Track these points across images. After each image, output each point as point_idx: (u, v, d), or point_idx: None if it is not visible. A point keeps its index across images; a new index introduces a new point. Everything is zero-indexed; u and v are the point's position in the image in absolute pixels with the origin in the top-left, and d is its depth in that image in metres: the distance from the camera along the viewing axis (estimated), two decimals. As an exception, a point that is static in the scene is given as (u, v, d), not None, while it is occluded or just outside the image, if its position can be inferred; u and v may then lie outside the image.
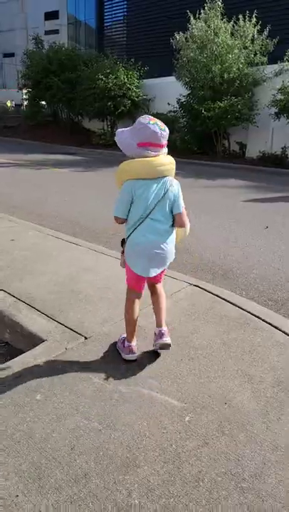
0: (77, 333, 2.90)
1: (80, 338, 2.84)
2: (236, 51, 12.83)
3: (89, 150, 16.80)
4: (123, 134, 2.40)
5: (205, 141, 14.56)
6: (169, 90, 15.16)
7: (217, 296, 3.48)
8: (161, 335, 2.66)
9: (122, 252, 2.56)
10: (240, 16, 13.42)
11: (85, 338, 2.85)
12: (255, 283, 4.21)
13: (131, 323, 2.67)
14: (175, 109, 14.89)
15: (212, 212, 7.05)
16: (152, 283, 2.73)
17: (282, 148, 13.05)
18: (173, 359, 2.65)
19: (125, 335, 2.70)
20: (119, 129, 2.44)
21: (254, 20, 13.34)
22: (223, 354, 2.71)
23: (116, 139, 2.42)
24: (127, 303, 2.67)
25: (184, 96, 14.33)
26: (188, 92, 14.24)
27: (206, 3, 13.38)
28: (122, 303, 2.73)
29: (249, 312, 3.23)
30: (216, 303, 3.39)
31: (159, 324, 2.73)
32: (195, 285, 3.70)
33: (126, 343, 2.67)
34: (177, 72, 14.42)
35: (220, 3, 13.12)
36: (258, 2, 14.43)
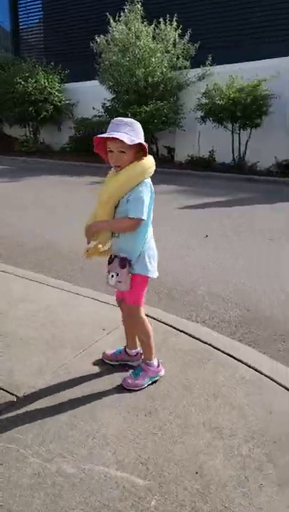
0: (5, 390, 2.37)
1: (8, 397, 2.32)
2: (159, 55, 12.68)
3: (11, 158, 15.85)
4: (134, 135, 2.18)
5: (133, 146, 14.25)
6: (93, 94, 14.69)
7: (170, 326, 3.09)
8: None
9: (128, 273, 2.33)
10: (161, 20, 13.30)
11: (17, 397, 2.33)
12: (203, 301, 3.89)
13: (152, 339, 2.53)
14: (100, 113, 14.46)
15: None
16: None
17: (210, 152, 13.08)
18: (127, 416, 2.21)
19: (151, 360, 2.52)
20: (122, 133, 2.14)
21: (175, 24, 13.27)
22: (185, 402, 2.32)
23: (130, 140, 2.14)
24: (144, 322, 2.51)
25: (108, 100, 13.94)
26: (113, 96, 13.87)
27: (126, 5, 13.11)
28: (62, 344, 2.24)
29: (207, 343, 2.87)
30: (169, 333, 3.00)
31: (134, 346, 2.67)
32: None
33: (155, 362, 2.52)
34: (100, 76, 14.01)
35: (139, 6, 12.89)
36: (178, 7, 14.39)
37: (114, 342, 2.85)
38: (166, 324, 3.11)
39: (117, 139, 2.11)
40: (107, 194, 2.28)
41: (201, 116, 12.25)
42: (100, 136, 2.20)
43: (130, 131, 2.17)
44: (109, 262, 2.39)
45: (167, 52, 13.13)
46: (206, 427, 2.13)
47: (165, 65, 12.78)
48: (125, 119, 2.22)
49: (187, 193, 9.42)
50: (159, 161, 14.17)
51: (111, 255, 2.41)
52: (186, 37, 13.33)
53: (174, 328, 3.06)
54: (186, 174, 12.26)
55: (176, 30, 13.27)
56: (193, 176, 12.09)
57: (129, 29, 12.85)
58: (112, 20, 13.19)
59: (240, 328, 3.43)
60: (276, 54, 11.73)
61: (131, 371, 2.54)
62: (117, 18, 13.25)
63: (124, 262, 2.30)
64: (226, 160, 12.74)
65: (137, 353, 2.67)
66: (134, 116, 12.38)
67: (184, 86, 13.47)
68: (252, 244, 5.65)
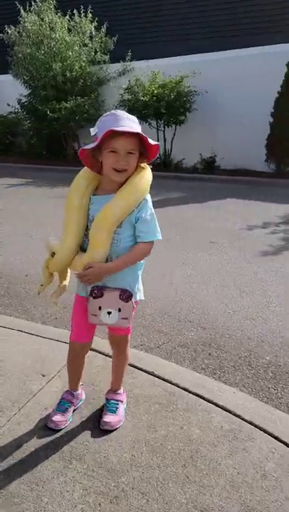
0: None
1: None
2: (77, 48, 12.01)
3: None
4: None
5: (53, 144, 13.50)
6: (7, 90, 13.66)
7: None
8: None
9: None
10: (75, 12, 12.62)
11: None
12: (154, 322, 3.42)
13: None
14: (16, 110, 13.48)
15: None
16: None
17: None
18: (87, 509, 1.67)
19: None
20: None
21: (90, 16, 12.65)
22: (158, 474, 1.82)
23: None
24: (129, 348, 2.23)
25: (24, 96, 13.01)
26: (29, 91, 12.96)
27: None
28: None
29: (171, 382, 2.40)
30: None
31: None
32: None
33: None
34: (14, 70, 13.00)
35: (52, -5, 12.12)
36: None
37: (57, 392, 2.28)
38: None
39: (133, 135, 1.70)
40: (115, 217, 1.80)
41: (125, 113, 11.77)
42: (117, 129, 1.68)
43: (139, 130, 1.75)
44: (96, 295, 1.87)
45: (85, 45, 12.49)
46: (191, 510, 1.66)
47: (83, 59, 12.14)
48: (128, 114, 1.79)
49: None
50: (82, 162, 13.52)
51: (94, 288, 1.88)
52: (103, 30, 12.78)
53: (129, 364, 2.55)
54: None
55: (91, 22, 12.66)
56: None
57: (42, 20, 12.03)
58: (22, 11, 12.27)
59: (201, 352, 3.01)
60: (200, 50, 11.57)
61: (105, 410, 2.14)
62: (28, 8, 12.35)
63: (129, 295, 1.87)
64: (151, 158, 12.40)
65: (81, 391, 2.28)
66: (53, 112, 11.66)
67: (104, 81, 12.93)
68: (195, 249, 5.27)
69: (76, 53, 12.06)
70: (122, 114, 1.75)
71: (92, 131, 1.79)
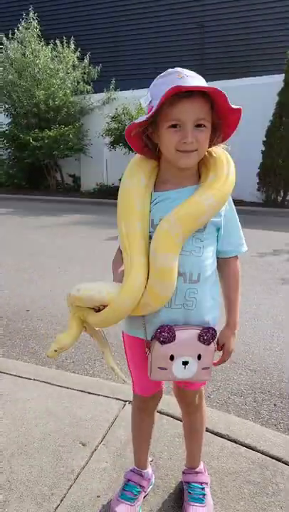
0: None
1: None
2: (61, 74, 11.73)
3: None
4: None
5: (34, 175, 12.99)
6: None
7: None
8: None
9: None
10: (58, 42, 12.46)
11: None
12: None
13: None
14: (-5, 139, 12.99)
15: (79, 261, 5.51)
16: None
17: (120, 180, 12.27)
18: None
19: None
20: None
21: (73, 46, 12.50)
22: None
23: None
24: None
25: (5, 124, 12.54)
26: (10, 119, 12.51)
27: (20, 22, 12.03)
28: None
29: (254, 448, 1.80)
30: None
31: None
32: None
33: None
34: (-6, 98, 12.59)
35: (36, 24, 11.91)
36: (75, 29, 13.71)
37: (108, 470, 1.65)
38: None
39: (204, 97, 1.17)
40: (202, 215, 1.25)
41: (110, 142, 11.45)
42: (185, 85, 1.13)
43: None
44: (165, 339, 1.28)
45: (67, 73, 12.25)
46: None
47: (68, 85, 11.86)
48: (194, 72, 1.23)
49: (104, 224, 8.36)
50: (64, 191, 13.12)
51: (161, 328, 1.29)
52: (86, 60, 12.64)
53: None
54: (96, 203, 11.27)
55: (74, 52, 12.50)
56: (104, 205, 11.13)
57: (25, 47, 11.76)
58: (4, 38, 11.99)
59: (262, 404, 2.43)
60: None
61: (188, 499, 1.52)
62: (10, 35, 12.08)
63: (213, 333, 1.32)
64: (137, 188, 12.04)
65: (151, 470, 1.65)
66: (36, 141, 11.22)
67: (87, 111, 12.65)
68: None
69: (60, 80, 11.77)
70: (185, 70, 1.21)
71: (144, 100, 1.25)
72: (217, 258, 1.37)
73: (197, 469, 1.58)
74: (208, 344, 1.30)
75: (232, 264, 1.39)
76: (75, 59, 12.56)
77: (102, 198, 11.86)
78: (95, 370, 2.77)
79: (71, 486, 1.60)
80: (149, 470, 1.61)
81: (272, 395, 2.52)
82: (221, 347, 1.39)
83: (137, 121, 1.23)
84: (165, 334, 1.27)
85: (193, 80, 1.18)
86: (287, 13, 11.81)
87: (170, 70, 1.22)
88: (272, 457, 1.76)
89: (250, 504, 1.55)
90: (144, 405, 1.55)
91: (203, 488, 1.53)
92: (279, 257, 5.73)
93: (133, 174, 1.33)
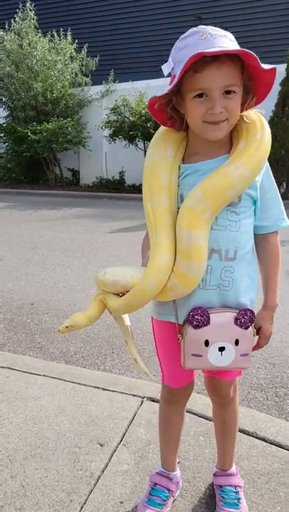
0: None
1: None
2: (59, 66, 11.52)
3: None
4: None
5: (32, 169, 12.81)
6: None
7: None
8: None
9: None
10: (55, 33, 12.25)
11: None
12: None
13: None
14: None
15: (82, 254, 5.37)
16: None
17: (120, 173, 12.13)
18: None
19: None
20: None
21: (70, 38, 12.30)
22: None
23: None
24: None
25: (2, 118, 12.34)
26: (7, 112, 12.31)
27: (17, 13, 11.81)
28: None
29: (286, 447, 1.68)
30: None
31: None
32: (150, 398, 1.99)
33: None
34: (-9, 91, 12.37)
35: (33, 15, 11.69)
36: (72, 22, 13.49)
37: (130, 473, 1.52)
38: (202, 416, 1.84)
39: (232, 60, 1.03)
40: (234, 187, 1.12)
41: (110, 135, 11.26)
42: (208, 50, 0.99)
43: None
44: (199, 323, 1.17)
45: (65, 65, 12.04)
46: None
47: (67, 77, 11.65)
48: (218, 29, 1.08)
49: (104, 217, 8.20)
50: (64, 184, 12.94)
51: (194, 310, 1.18)
52: (84, 52, 12.45)
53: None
54: (96, 197, 11.10)
55: (72, 44, 12.30)
56: (104, 198, 10.97)
57: (22, 39, 11.54)
58: (1, 30, 11.78)
59: (284, 399, 2.30)
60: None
61: (221, 504, 1.39)
62: (7, 26, 11.86)
63: (251, 316, 1.20)
64: (138, 181, 11.88)
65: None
66: (34, 134, 11.03)
67: (86, 103, 12.46)
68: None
69: (59, 72, 11.56)
70: (209, 28, 1.06)
71: (166, 67, 1.12)
72: (254, 234, 1.25)
73: (229, 471, 1.45)
74: (246, 328, 1.18)
75: (271, 240, 1.26)
76: (73, 50, 12.36)
77: (102, 192, 11.70)
78: (106, 366, 2.64)
79: (91, 491, 1.47)
80: (178, 472, 1.48)
81: (294, 389, 2.40)
82: (257, 331, 1.26)
83: (158, 94, 1.10)
84: (198, 317, 1.16)
85: (220, 40, 1.03)
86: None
87: (192, 29, 1.08)
88: (306, 456, 1.63)
89: (288, 508, 1.42)
90: (174, 398, 1.42)
91: (237, 492, 1.40)
92: (286, 248, 5.59)
93: (159, 146, 1.21)
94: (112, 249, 5.51)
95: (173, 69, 1.10)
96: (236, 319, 1.17)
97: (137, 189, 11.72)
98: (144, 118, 10.34)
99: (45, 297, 3.79)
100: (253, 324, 1.20)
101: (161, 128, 1.23)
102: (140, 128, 10.48)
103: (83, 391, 2.05)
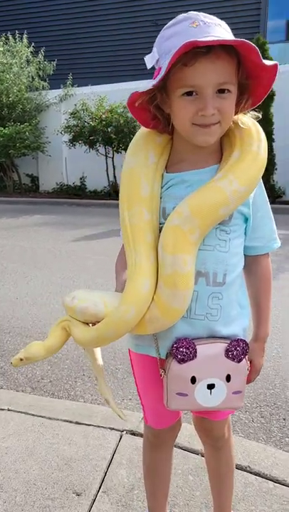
0: None
1: None
2: (16, 69, 11.15)
3: None
4: None
5: (-12, 175, 12.32)
6: None
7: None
8: None
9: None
10: (10, 36, 11.88)
11: None
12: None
13: None
14: None
15: (45, 265, 5.09)
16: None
17: (81, 179, 11.86)
18: None
19: None
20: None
21: (25, 41, 11.95)
22: None
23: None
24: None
25: None
26: None
27: None
28: None
29: (285, 483, 1.52)
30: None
31: None
32: (129, 431, 1.78)
33: None
34: None
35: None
36: (27, 25, 13.15)
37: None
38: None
39: (227, 53, 0.87)
40: (226, 206, 0.96)
41: (70, 140, 10.98)
42: (201, 39, 0.82)
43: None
44: (184, 357, 1.00)
45: (21, 68, 11.67)
46: None
47: (23, 81, 11.29)
48: (214, 17, 0.90)
49: (66, 225, 7.92)
50: (23, 192, 12.51)
51: (178, 341, 1.01)
52: (41, 55, 12.13)
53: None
54: (56, 204, 10.76)
55: (28, 47, 11.95)
56: (64, 204, 10.66)
57: (-26, 41, 11.11)
58: None
59: (271, 421, 2.16)
60: (147, 76, 11.20)
61: None
62: None
63: (244, 348, 1.03)
64: (99, 187, 11.65)
65: None
66: (-10, 139, 10.60)
67: (44, 107, 12.12)
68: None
69: (15, 75, 11.18)
70: (201, 15, 0.89)
71: (149, 59, 0.95)
72: (244, 255, 1.09)
73: (228, 520, 1.27)
74: (239, 361, 1.02)
75: (263, 262, 1.11)
76: (29, 54, 12.02)
77: (63, 198, 11.38)
78: (76, 391, 2.41)
79: None
80: (170, 525, 1.29)
81: (279, 407, 2.26)
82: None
83: (140, 90, 0.93)
84: (184, 350, 0.99)
85: (214, 29, 0.86)
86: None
87: (182, 15, 0.91)
88: (308, 493, 1.48)
89: None
90: (159, 440, 1.24)
91: None
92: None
93: (139, 150, 1.03)
94: (76, 259, 5.26)
95: (158, 61, 0.92)
96: (227, 351, 1.01)
97: (99, 195, 11.50)
98: (104, 123, 10.14)
99: (6, 314, 3.50)
100: (246, 357, 1.04)
101: (142, 130, 1.05)
102: (101, 133, 10.25)
103: (54, 427, 1.82)
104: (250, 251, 1.09)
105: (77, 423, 1.84)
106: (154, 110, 0.97)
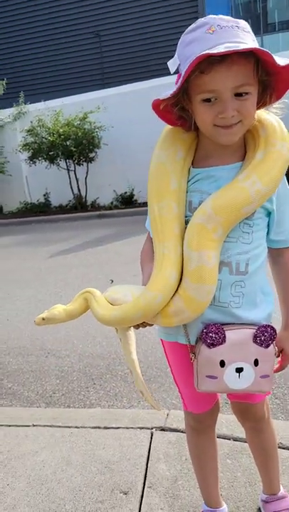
0: None
1: None
2: None
3: None
4: None
5: None
6: None
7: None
8: None
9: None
10: None
11: None
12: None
13: None
14: None
15: (27, 284, 5.04)
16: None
17: (45, 195, 11.77)
18: None
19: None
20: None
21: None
22: None
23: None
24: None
25: None
26: None
27: None
28: None
29: None
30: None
31: None
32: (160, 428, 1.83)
33: None
34: None
35: None
36: None
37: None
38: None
39: (244, 58, 0.92)
40: (250, 202, 1.01)
41: (29, 157, 10.89)
42: (214, 51, 0.87)
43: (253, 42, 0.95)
44: (213, 341, 1.05)
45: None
46: None
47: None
48: (230, 18, 0.95)
49: (38, 243, 7.85)
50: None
51: (207, 327, 1.06)
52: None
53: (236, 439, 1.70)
54: (23, 223, 10.65)
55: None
56: (32, 223, 10.56)
57: None
58: None
59: (286, 399, 2.25)
60: (96, 87, 11.32)
61: None
62: None
63: (272, 334, 1.07)
64: (64, 201, 11.60)
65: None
66: None
67: (-2, 128, 11.99)
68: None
69: None
70: (218, 18, 0.94)
71: (172, 64, 1.01)
72: (268, 248, 1.15)
73: (279, 494, 1.34)
74: (267, 346, 1.07)
75: (287, 255, 1.16)
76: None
77: (29, 217, 11.25)
78: (91, 400, 2.43)
79: None
80: (225, 507, 1.34)
81: (289, 387, 2.36)
82: (278, 353, 1.16)
83: (162, 96, 0.99)
84: (213, 335, 1.05)
85: (230, 32, 0.92)
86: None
87: (200, 20, 0.97)
88: None
89: None
90: (201, 425, 1.29)
91: (292, 517, 1.29)
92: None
93: (169, 145, 1.09)
94: (57, 274, 5.24)
95: (179, 66, 0.98)
96: (255, 337, 1.06)
97: (64, 209, 11.45)
98: (62, 137, 10.13)
99: (1, 337, 3.47)
100: (274, 342, 1.09)
101: (169, 127, 1.11)
102: (60, 147, 10.23)
103: (84, 434, 1.84)
104: (275, 244, 1.14)
105: (105, 428, 1.87)
106: (179, 112, 1.02)
